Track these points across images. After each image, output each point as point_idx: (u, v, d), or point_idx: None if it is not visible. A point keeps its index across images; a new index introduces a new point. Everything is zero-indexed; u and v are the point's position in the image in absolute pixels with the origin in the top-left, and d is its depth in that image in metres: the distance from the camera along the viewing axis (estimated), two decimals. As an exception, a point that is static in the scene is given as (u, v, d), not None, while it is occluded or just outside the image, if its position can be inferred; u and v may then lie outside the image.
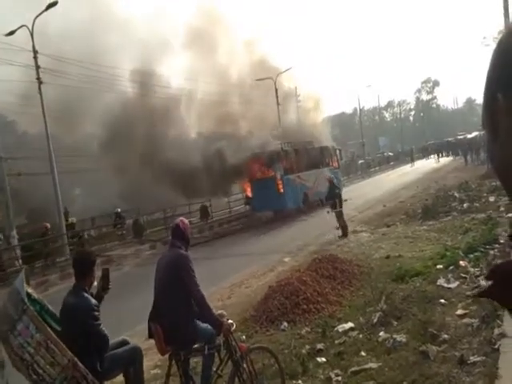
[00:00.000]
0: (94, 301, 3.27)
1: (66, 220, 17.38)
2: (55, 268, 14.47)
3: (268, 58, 30.93)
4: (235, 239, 16.28)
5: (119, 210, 18.63)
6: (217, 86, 26.73)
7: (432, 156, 50.12)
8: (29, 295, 3.08)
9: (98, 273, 3.54)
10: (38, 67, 15.72)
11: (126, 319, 7.62)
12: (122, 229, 18.48)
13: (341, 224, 12.66)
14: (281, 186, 18.98)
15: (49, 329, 2.82)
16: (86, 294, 3.25)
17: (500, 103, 0.62)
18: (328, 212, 19.02)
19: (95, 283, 3.46)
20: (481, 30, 46.64)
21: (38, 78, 15.68)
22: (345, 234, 12.48)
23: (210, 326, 3.65)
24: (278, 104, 31.33)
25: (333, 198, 13.19)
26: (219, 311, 3.92)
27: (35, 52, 15.66)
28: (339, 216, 12.76)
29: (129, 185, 20.84)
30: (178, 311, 3.54)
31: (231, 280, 9.73)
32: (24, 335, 2.82)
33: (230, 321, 3.79)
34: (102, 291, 3.53)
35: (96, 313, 3.20)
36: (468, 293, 5.31)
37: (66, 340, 2.91)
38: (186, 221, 3.96)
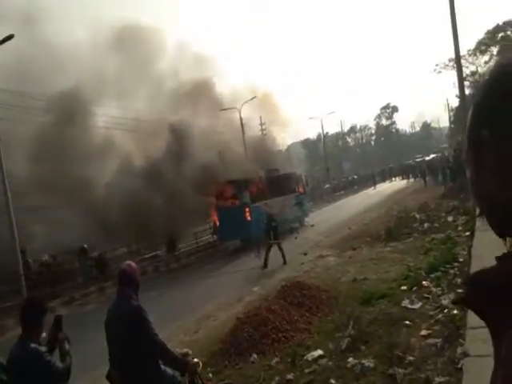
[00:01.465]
0: (41, 349, 3.00)
1: (25, 259, 16.52)
2: (13, 312, 13.65)
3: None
4: (201, 271, 16.01)
5: (85, 245, 17.91)
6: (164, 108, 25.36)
7: (394, 179, 51.86)
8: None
9: (49, 317, 3.26)
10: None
11: (90, 360, 7.24)
12: (86, 265, 17.78)
13: (281, 253, 13.44)
14: (248, 214, 18.88)
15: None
16: (32, 345, 2.97)
17: (486, 140, 0.65)
18: (296, 238, 19.11)
19: (44, 334, 3.11)
20: (433, 59, 49.62)
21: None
22: (284, 261, 13.36)
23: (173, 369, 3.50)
24: (243, 133, 31.79)
25: (268, 231, 13.67)
26: (184, 350, 3.77)
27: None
28: (271, 247, 13.59)
29: (86, 222, 19.68)
30: (136, 361, 3.34)
31: (198, 313, 9.50)
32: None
33: (196, 359, 3.66)
34: (53, 341, 3.15)
35: (47, 358, 2.96)
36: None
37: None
38: (133, 264, 3.74)
